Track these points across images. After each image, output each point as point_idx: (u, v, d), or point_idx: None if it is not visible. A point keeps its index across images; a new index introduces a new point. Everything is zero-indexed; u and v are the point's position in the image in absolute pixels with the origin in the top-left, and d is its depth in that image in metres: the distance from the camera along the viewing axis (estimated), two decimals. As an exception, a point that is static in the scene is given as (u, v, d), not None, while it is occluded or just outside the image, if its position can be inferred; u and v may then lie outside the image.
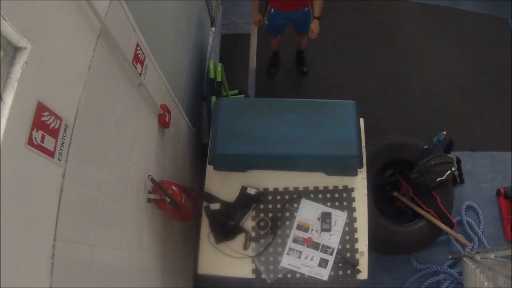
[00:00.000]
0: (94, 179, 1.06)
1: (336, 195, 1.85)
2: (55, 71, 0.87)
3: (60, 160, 0.87)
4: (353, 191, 1.86)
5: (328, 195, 1.84)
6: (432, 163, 2.38)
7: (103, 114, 1.12)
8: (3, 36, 0.72)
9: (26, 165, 0.77)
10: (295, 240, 1.77)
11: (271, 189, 1.86)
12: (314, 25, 2.46)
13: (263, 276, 1.72)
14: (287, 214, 1.81)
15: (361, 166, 1.78)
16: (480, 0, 3.47)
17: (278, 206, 1.83)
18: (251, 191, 1.83)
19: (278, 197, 1.84)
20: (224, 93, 2.60)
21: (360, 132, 1.77)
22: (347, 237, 1.77)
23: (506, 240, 2.64)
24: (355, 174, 1.87)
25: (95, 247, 1.05)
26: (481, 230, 2.63)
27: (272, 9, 2.49)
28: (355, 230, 1.79)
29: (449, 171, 2.39)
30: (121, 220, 1.24)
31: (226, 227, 1.78)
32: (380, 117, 2.93)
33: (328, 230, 1.77)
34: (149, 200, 1.47)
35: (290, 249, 1.75)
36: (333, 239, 1.76)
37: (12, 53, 0.76)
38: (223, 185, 1.87)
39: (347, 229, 1.78)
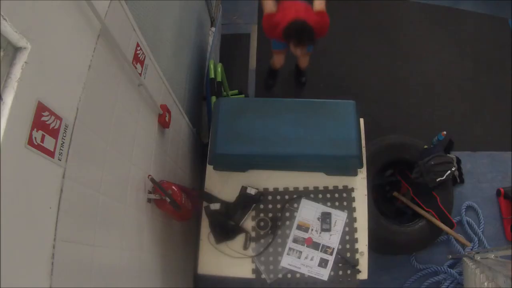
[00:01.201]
0: (94, 179, 1.06)
1: (336, 195, 1.85)
2: (55, 71, 0.87)
3: (60, 160, 0.87)
4: (353, 191, 1.86)
5: (328, 195, 1.84)
6: (432, 163, 2.38)
7: (103, 114, 1.12)
8: (3, 36, 0.72)
9: (26, 165, 0.77)
10: (295, 240, 1.77)
11: (271, 189, 1.86)
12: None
13: (263, 276, 1.72)
14: (287, 214, 1.81)
15: (361, 166, 1.78)
16: (480, 0, 3.47)
17: (278, 206, 1.83)
18: (251, 191, 1.83)
19: (278, 197, 1.84)
20: (224, 93, 2.60)
21: (360, 132, 1.77)
22: (347, 237, 1.77)
23: (506, 240, 2.64)
24: (355, 174, 1.87)
25: (95, 247, 1.05)
26: (481, 230, 2.63)
27: None
28: (355, 230, 1.79)
29: (449, 171, 2.39)
30: (121, 220, 1.24)
31: (226, 227, 1.78)
32: (380, 117, 2.93)
33: (328, 230, 1.77)
34: (149, 200, 1.47)
35: (290, 249, 1.75)
36: (333, 239, 1.76)
37: (12, 53, 0.76)
38: (223, 185, 1.87)
39: (347, 229, 1.78)
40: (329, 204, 1.82)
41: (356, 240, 1.77)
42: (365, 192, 1.86)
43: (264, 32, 2.39)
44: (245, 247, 1.77)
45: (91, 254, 1.03)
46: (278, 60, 2.77)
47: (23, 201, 0.76)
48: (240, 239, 1.78)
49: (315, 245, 1.76)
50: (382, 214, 2.43)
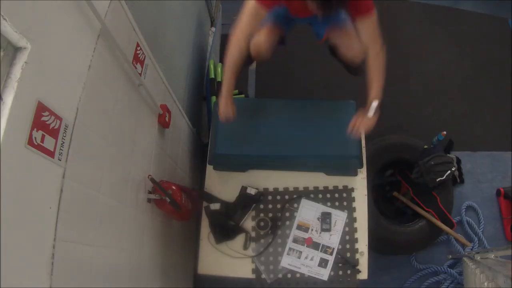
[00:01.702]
0: (94, 179, 1.06)
1: (336, 195, 1.84)
2: (55, 71, 0.87)
3: (60, 160, 0.87)
4: (353, 191, 1.86)
5: (328, 195, 1.84)
6: (432, 163, 2.38)
7: (103, 114, 1.12)
8: (3, 36, 0.72)
9: (26, 165, 0.77)
10: (295, 240, 1.77)
11: (271, 189, 1.86)
12: (366, 119, 1.56)
13: (263, 276, 1.72)
14: (287, 214, 1.81)
15: (361, 166, 1.78)
16: (480, 0, 3.47)
17: (278, 206, 1.83)
18: (251, 191, 1.83)
19: (278, 197, 1.84)
20: (224, 93, 2.60)
21: (360, 132, 1.77)
22: (347, 237, 1.77)
23: (506, 240, 2.64)
24: (355, 174, 1.87)
25: (95, 247, 1.05)
26: (481, 230, 2.62)
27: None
28: (355, 230, 1.79)
29: (449, 171, 2.39)
30: (121, 220, 1.24)
31: (226, 227, 1.78)
32: (380, 117, 2.91)
33: (328, 230, 1.77)
34: (149, 200, 1.47)
35: (290, 249, 1.75)
36: (333, 239, 1.76)
37: (12, 53, 0.76)
38: (223, 185, 1.87)
39: (347, 229, 1.78)
40: (329, 204, 1.82)
41: (356, 240, 1.77)
42: (365, 192, 1.86)
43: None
44: (245, 247, 1.77)
45: (91, 254, 1.03)
46: (262, 39, 1.67)
47: (23, 201, 0.76)
48: (240, 239, 1.78)
49: (315, 245, 1.76)
50: (382, 214, 2.43)
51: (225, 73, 1.56)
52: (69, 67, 0.93)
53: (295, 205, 1.83)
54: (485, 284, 1.85)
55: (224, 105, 1.62)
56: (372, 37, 1.55)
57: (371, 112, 1.57)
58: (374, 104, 1.56)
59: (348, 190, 1.85)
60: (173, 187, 1.54)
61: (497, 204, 2.74)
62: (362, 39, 1.55)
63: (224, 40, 3.22)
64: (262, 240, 1.77)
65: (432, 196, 2.47)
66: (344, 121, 1.74)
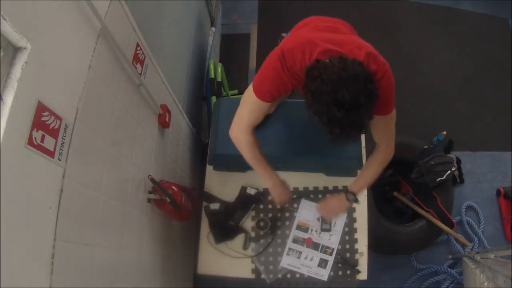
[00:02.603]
0: (94, 179, 1.06)
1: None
2: (55, 71, 0.87)
3: (60, 160, 0.87)
4: (353, 191, 1.85)
5: (328, 196, 1.84)
6: (432, 163, 2.38)
7: (103, 114, 1.12)
8: (3, 36, 0.72)
9: (26, 165, 0.77)
10: (295, 240, 1.77)
11: (271, 189, 1.86)
12: (337, 201, 1.51)
13: (263, 276, 1.72)
14: (287, 214, 1.81)
15: (361, 167, 1.78)
16: (480, 0, 3.47)
17: (278, 206, 1.83)
18: (251, 191, 1.83)
19: (278, 197, 1.84)
20: (224, 93, 2.60)
21: (360, 132, 1.76)
22: (347, 237, 1.77)
23: (506, 240, 2.64)
24: (355, 174, 1.87)
25: (95, 247, 1.05)
26: (481, 230, 2.63)
27: None
28: (355, 230, 1.79)
29: (449, 171, 2.39)
30: (121, 220, 1.24)
31: (225, 227, 1.78)
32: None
33: (328, 230, 1.77)
34: (149, 200, 1.47)
35: (289, 249, 1.75)
36: (332, 240, 1.76)
37: (12, 53, 0.76)
38: (223, 185, 1.87)
39: (346, 229, 1.78)
40: (329, 204, 1.82)
41: (355, 241, 1.77)
42: (365, 192, 1.86)
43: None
44: (245, 247, 1.77)
45: (91, 254, 1.03)
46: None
47: (23, 201, 0.76)
48: (239, 239, 1.78)
49: (314, 246, 1.76)
50: (382, 214, 2.43)
51: (256, 169, 1.47)
52: (69, 67, 0.93)
53: (295, 205, 1.83)
54: (485, 284, 1.85)
55: (278, 189, 1.50)
56: (387, 135, 1.48)
57: (345, 202, 1.48)
58: (351, 196, 1.47)
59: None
60: (173, 187, 1.54)
61: (497, 204, 2.74)
62: (375, 135, 1.48)
63: (224, 40, 3.23)
64: (261, 240, 1.77)
65: (432, 196, 2.46)
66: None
